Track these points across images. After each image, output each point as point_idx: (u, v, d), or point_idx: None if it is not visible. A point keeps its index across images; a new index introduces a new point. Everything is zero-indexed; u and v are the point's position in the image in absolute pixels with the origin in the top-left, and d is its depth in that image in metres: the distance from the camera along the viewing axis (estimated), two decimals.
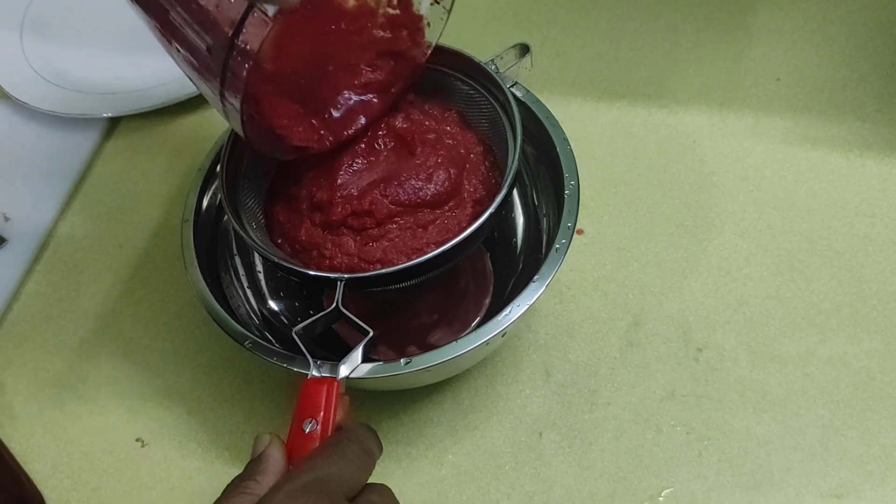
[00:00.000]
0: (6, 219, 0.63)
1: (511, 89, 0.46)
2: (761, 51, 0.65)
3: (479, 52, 0.47)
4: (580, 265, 0.55)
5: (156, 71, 0.70)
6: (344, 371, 0.38)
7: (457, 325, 0.52)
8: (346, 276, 0.40)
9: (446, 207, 0.44)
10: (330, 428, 0.35)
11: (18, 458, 0.51)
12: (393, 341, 0.51)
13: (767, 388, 0.49)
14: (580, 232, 0.56)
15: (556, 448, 0.48)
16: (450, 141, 0.47)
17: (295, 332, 0.38)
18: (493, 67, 0.47)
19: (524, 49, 0.47)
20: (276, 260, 0.41)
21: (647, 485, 0.47)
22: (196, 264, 0.45)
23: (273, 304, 0.52)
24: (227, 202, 0.43)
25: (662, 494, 0.46)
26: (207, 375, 0.54)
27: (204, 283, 0.44)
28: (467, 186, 0.45)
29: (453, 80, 0.48)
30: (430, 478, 0.48)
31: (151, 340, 0.56)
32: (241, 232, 0.42)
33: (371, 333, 0.38)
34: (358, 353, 0.38)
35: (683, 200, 0.57)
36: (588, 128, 0.62)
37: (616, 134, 0.61)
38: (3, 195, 0.64)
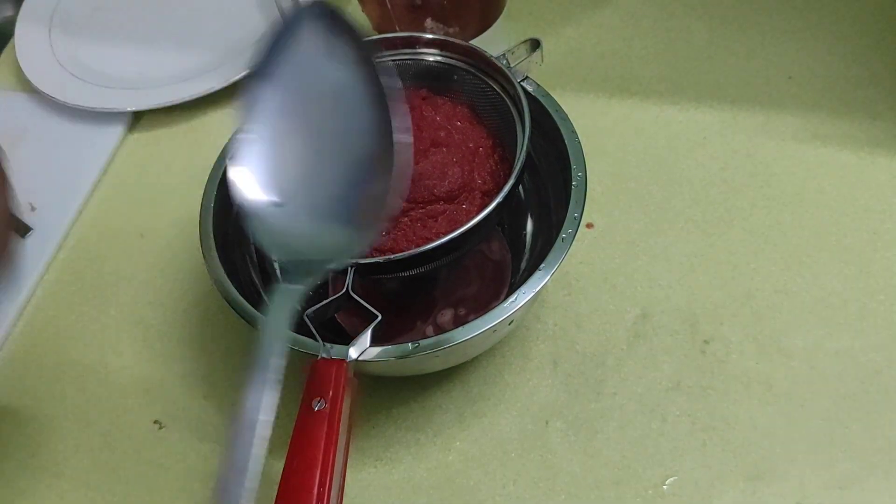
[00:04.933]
0: (32, 208, 0.65)
1: (522, 83, 0.47)
2: (773, 49, 0.65)
3: (493, 49, 0.48)
4: (589, 258, 0.56)
5: (178, 67, 0.72)
6: (353, 353, 0.39)
7: (473, 314, 0.53)
8: (356, 261, 0.41)
9: (457, 200, 0.46)
10: (338, 406, 0.37)
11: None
12: (405, 330, 0.52)
13: (773, 380, 0.50)
14: (590, 226, 0.57)
15: (562, 436, 0.49)
16: (459, 136, 0.48)
17: (306, 315, 0.40)
18: (505, 62, 0.48)
19: (535, 44, 0.48)
20: None
21: (652, 473, 0.47)
22: (214, 251, 0.47)
23: None
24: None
25: (666, 483, 0.47)
26: (224, 362, 0.55)
27: (221, 268, 0.46)
28: (477, 180, 0.46)
29: (465, 75, 0.49)
30: (438, 463, 0.49)
31: (170, 327, 0.58)
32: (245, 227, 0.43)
33: (379, 317, 0.39)
34: (367, 335, 0.39)
35: (693, 196, 0.58)
36: (599, 123, 0.63)
37: (627, 130, 0.62)
38: (30, 185, 0.66)
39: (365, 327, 0.40)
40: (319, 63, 0.37)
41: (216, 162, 0.51)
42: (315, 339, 0.40)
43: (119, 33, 0.76)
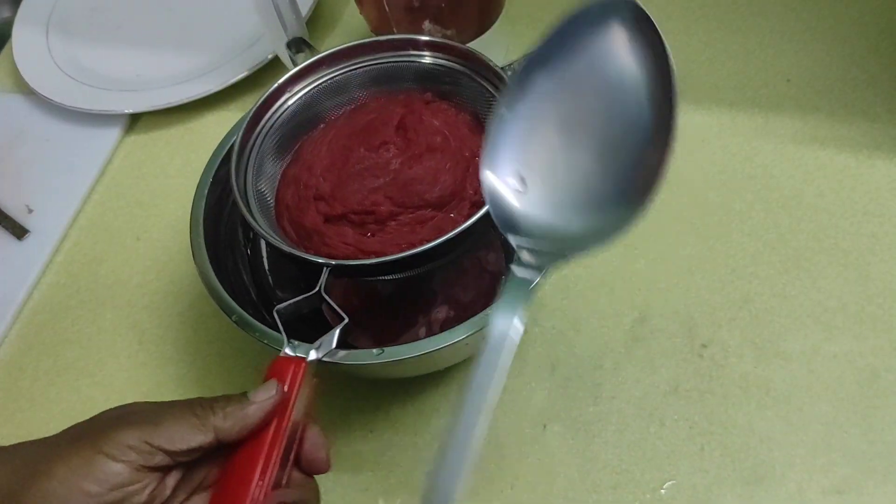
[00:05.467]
0: (29, 210, 0.64)
1: None
2: (772, 51, 0.65)
3: (491, 51, 0.48)
4: (587, 261, 0.56)
5: (176, 69, 0.72)
6: (314, 354, 0.38)
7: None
8: (332, 262, 0.40)
9: (446, 209, 0.45)
10: (289, 405, 0.35)
11: None
12: (403, 332, 0.52)
13: (771, 384, 0.49)
14: None
15: (560, 440, 0.49)
16: (455, 143, 0.47)
17: (276, 311, 0.39)
18: (510, 73, 0.47)
19: None
20: (274, 242, 0.42)
21: (650, 477, 0.47)
22: (203, 248, 0.46)
23: (278, 293, 0.53)
24: (235, 183, 0.44)
25: (664, 487, 0.47)
26: (218, 364, 0.55)
27: (208, 263, 0.45)
28: (468, 189, 0.46)
29: (469, 81, 0.49)
30: None
31: (166, 331, 0.58)
32: (243, 210, 0.43)
33: (346, 320, 0.39)
34: (333, 337, 0.38)
35: (691, 199, 0.58)
36: None
37: None
38: (26, 187, 0.66)
39: (349, 330, 0.39)
40: (602, 53, 0.35)
41: (206, 166, 0.51)
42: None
43: (116, 35, 0.76)
